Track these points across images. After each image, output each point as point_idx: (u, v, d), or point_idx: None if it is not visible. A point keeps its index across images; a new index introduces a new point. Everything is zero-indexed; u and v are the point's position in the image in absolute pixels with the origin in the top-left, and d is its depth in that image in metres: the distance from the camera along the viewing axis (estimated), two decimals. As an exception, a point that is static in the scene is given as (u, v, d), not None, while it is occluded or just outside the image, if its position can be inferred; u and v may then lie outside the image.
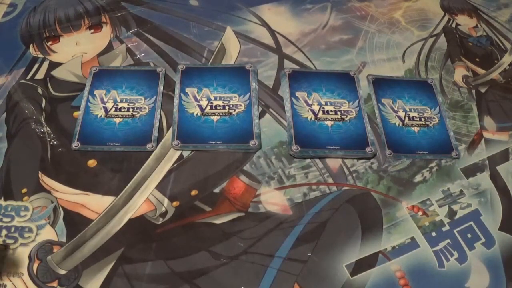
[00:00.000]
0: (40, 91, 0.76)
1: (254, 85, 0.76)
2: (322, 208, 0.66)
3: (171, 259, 0.61)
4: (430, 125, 0.74)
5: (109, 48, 0.83)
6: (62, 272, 0.59)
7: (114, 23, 0.87)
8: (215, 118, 0.71)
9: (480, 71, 0.87)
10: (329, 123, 0.72)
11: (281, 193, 0.68)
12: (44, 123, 0.72)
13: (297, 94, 0.75)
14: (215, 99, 0.73)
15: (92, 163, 0.68)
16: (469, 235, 0.66)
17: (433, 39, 0.90)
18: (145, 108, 0.72)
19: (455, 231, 0.66)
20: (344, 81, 0.77)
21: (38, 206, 0.64)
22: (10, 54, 0.81)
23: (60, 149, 0.70)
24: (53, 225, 0.63)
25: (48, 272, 0.59)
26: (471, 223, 0.67)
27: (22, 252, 0.61)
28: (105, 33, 0.85)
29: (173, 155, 0.69)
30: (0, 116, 0.73)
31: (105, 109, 0.72)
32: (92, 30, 0.85)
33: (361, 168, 0.71)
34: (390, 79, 0.81)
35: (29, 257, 0.60)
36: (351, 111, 0.73)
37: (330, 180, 0.69)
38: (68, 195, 0.66)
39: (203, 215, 0.65)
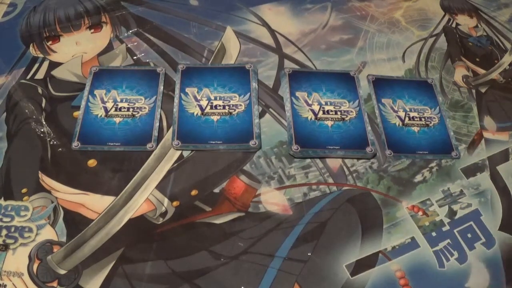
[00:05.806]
0: (40, 91, 0.76)
1: (254, 85, 0.75)
2: (322, 208, 0.66)
3: (171, 259, 0.61)
4: (430, 125, 0.74)
5: (109, 48, 0.83)
6: (62, 272, 0.59)
7: (114, 23, 0.87)
8: (215, 118, 0.71)
9: (480, 71, 0.86)
10: (329, 123, 0.72)
11: (281, 193, 0.68)
12: (44, 123, 0.72)
13: (297, 94, 0.75)
14: (215, 99, 0.73)
15: (92, 163, 0.68)
16: (469, 235, 0.66)
17: (433, 39, 0.90)
18: (145, 108, 0.72)
19: (455, 231, 0.66)
20: (344, 81, 0.77)
21: (38, 206, 0.64)
22: (10, 54, 0.81)
23: (60, 149, 0.70)
24: (53, 225, 0.63)
25: (48, 272, 0.59)
26: (471, 223, 0.67)
27: (22, 252, 0.61)
28: (105, 33, 0.85)
29: (173, 155, 0.69)
30: (0, 116, 0.73)
31: (105, 109, 0.72)
32: (92, 30, 0.85)
33: (361, 168, 0.71)
34: (390, 79, 0.80)
35: (29, 257, 0.60)
36: (351, 111, 0.73)
37: (330, 180, 0.69)
38: (68, 195, 0.66)
39: (203, 215, 0.65)
